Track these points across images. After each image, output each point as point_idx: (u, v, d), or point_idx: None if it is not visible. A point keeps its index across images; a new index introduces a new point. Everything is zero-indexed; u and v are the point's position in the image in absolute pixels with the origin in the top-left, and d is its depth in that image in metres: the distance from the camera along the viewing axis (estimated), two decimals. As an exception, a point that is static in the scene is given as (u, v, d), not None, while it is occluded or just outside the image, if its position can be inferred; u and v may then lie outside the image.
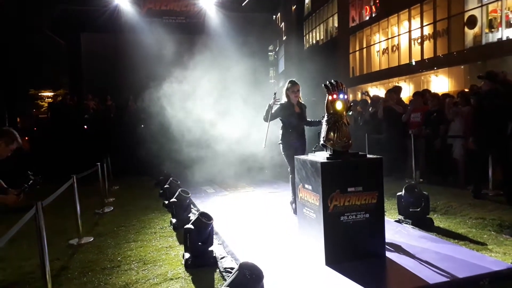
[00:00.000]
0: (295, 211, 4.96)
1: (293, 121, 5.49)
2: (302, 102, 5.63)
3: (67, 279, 3.80)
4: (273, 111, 5.43)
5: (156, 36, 12.13)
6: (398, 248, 4.00)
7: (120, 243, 4.81)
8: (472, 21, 18.30)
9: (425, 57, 21.32)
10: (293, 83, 5.53)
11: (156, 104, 9.21)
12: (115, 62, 12.76)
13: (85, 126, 10.86)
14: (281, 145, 5.60)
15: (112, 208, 6.74)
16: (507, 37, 16.78)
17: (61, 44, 15.33)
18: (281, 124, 5.61)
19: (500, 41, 17.11)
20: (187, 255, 3.93)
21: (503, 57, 16.50)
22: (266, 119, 5.51)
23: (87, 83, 13.75)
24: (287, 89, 5.49)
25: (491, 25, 17.89)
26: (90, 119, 10.94)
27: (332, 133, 3.78)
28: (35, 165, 7.82)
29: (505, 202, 5.71)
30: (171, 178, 7.03)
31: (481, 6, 17.94)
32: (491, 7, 17.71)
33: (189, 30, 14.47)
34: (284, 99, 5.54)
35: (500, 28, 17.22)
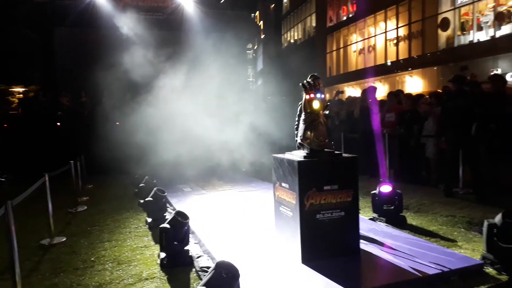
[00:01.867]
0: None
1: None
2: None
3: (38, 280, 3.70)
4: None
5: (133, 32, 11.93)
6: (372, 246, 4.07)
7: (93, 243, 4.72)
8: (445, 24, 18.78)
9: (400, 57, 21.75)
10: (314, 78, 5.24)
11: (131, 101, 9.07)
12: (91, 58, 12.47)
13: (58, 123, 10.58)
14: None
15: (86, 207, 6.61)
16: (478, 39, 17.30)
17: (33, 39, 14.87)
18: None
19: (471, 43, 17.62)
20: (162, 255, 3.90)
21: (474, 59, 17.00)
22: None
23: (61, 79, 13.39)
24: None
25: (463, 28, 18.40)
26: (63, 116, 10.67)
27: (309, 132, 3.81)
28: (5, 163, 7.61)
29: (475, 200, 5.90)
30: (146, 177, 6.95)
31: (454, 9, 18.42)
32: (463, 10, 18.22)
33: (167, 27, 14.29)
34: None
35: (471, 31, 17.74)
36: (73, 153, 7.53)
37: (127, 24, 12.02)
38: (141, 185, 6.87)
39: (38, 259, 4.27)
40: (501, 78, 6.66)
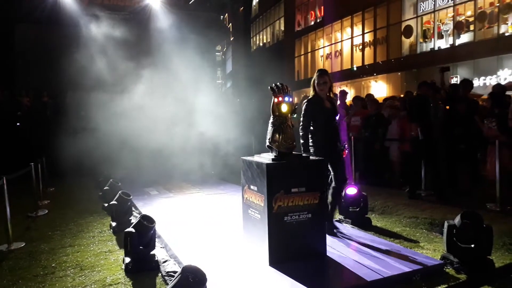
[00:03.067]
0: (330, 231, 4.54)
1: (321, 119, 4.63)
2: (333, 96, 4.83)
3: (-6, 289, 3.52)
4: (302, 111, 4.67)
5: (98, 31, 11.63)
6: (338, 247, 4.14)
7: (54, 248, 4.54)
8: (408, 31, 19.47)
9: (366, 63, 22.34)
10: (321, 72, 4.68)
11: (95, 101, 8.83)
12: (53, 57, 12.05)
13: (18, 124, 10.15)
14: (312, 150, 4.64)
15: (47, 211, 6.35)
16: (439, 47, 18.03)
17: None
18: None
19: (432, 50, 18.35)
20: (127, 260, 3.80)
21: (435, 66, 17.70)
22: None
23: (21, 77, 12.87)
24: (313, 80, 4.68)
25: (425, 35, 19.14)
26: (23, 116, 10.24)
27: (277, 135, 3.83)
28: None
29: (437, 202, 6.12)
30: (111, 180, 6.77)
31: (417, 17, 19.13)
32: (425, 18, 18.96)
33: (133, 26, 14.02)
34: (311, 93, 4.74)
35: (433, 39, 18.46)
36: (33, 154, 7.23)
37: (91, 22, 11.73)
38: (105, 188, 6.69)
39: (-6, 266, 4.07)
40: (469, 83, 6.97)
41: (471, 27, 16.80)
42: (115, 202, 5.26)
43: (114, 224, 5.16)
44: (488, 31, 16.25)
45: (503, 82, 14.07)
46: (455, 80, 15.38)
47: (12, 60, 13.18)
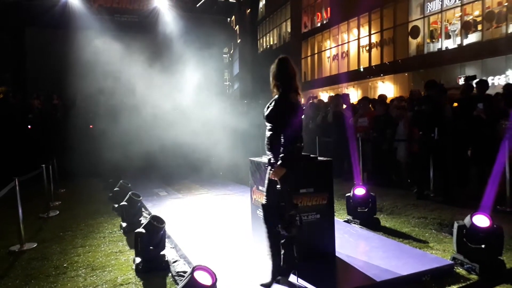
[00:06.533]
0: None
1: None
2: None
3: (8, 288, 3.59)
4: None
5: (107, 34, 11.74)
6: (347, 248, 4.14)
7: (66, 249, 4.61)
8: (415, 31, 19.38)
9: (373, 63, 22.26)
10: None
11: (105, 104, 8.92)
12: (63, 60, 12.18)
13: (29, 126, 10.28)
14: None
15: (58, 212, 6.44)
16: (446, 47, 17.92)
17: (3, 39, 14.40)
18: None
19: (440, 50, 18.24)
20: (138, 260, 3.84)
21: (443, 66, 17.60)
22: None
23: (32, 80, 13.03)
24: None
25: (432, 36, 19.04)
26: (34, 119, 10.37)
27: (285, 136, 3.84)
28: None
29: (444, 202, 6.09)
30: (121, 181, 6.84)
31: (423, 17, 19.03)
32: (432, 18, 18.85)
33: (142, 29, 14.14)
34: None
35: (440, 39, 18.36)
36: (45, 156, 7.32)
37: (100, 25, 11.84)
38: (115, 189, 6.75)
39: (7, 266, 4.13)
40: (486, 83, 6.93)
41: (479, 27, 16.68)
42: (125, 203, 5.32)
43: (124, 224, 5.22)
44: (496, 30, 16.12)
45: (511, 82, 13.96)
46: (462, 80, 15.27)
47: (23, 63, 13.34)
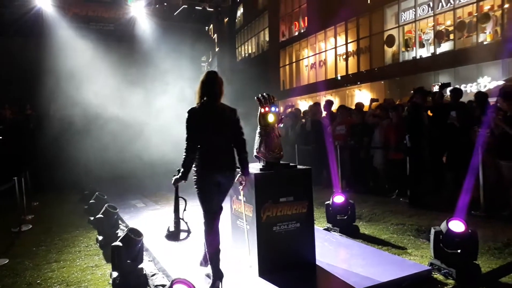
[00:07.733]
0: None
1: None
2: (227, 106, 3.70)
3: (-24, 308, 3.43)
4: None
5: (81, 43, 11.54)
6: (327, 256, 4.14)
7: (39, 264, 4.45)
8: (390, 40, 19.82)
9: (350, 72, 22.62)
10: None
11: (79, 113, 8.73)
12: (36, 69, 11.89)
13: (0, 137, 9.95)
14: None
15: (31, 226, 6.23)
16: (421, 56, 18.38)
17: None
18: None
19: (414, 59, 18.69)
20: (115, 274, 3.74)
21: (417, 74, 18.03)
22: None
23: (2, 90, 12.64)
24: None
25: (407, 45, 19.51)
26: (5, 130, 10.04)
27: (264, 145, 3.84)
28: None
29: (422, 208, 6.18)
30: (97, 193, 6.68)
31: (398, 26, 19.49)
32: (406, 28, 19.33)
33: (118, 38, 13.95)
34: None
35: (414, 48, 18.83)
36: (17, 168, 7.08)
37: (75, 34, 11.64)
38: (91, 201, 6.58)
39: (-24, 284, 3.96)
40: (460, 91, 7.13)
41: (451, 36, 17.18)
42: (101, 216, 5.18)
43: (100, 238, 5.08)
44: (467, 40, 16.64)
45: (483, 90, 14.40)
46: (436, 88, 15.68)
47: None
